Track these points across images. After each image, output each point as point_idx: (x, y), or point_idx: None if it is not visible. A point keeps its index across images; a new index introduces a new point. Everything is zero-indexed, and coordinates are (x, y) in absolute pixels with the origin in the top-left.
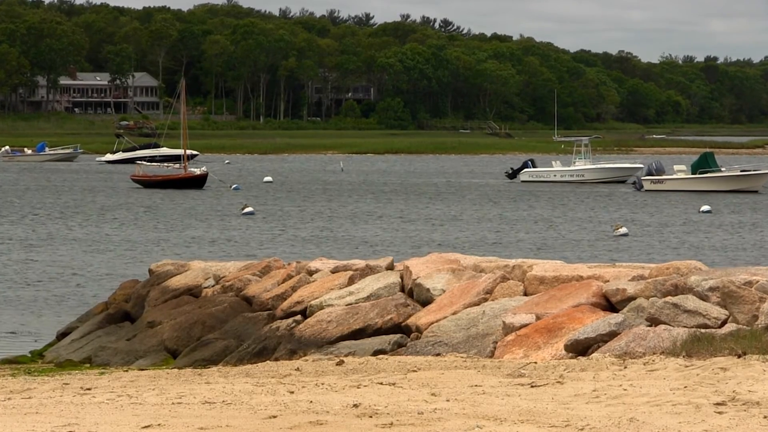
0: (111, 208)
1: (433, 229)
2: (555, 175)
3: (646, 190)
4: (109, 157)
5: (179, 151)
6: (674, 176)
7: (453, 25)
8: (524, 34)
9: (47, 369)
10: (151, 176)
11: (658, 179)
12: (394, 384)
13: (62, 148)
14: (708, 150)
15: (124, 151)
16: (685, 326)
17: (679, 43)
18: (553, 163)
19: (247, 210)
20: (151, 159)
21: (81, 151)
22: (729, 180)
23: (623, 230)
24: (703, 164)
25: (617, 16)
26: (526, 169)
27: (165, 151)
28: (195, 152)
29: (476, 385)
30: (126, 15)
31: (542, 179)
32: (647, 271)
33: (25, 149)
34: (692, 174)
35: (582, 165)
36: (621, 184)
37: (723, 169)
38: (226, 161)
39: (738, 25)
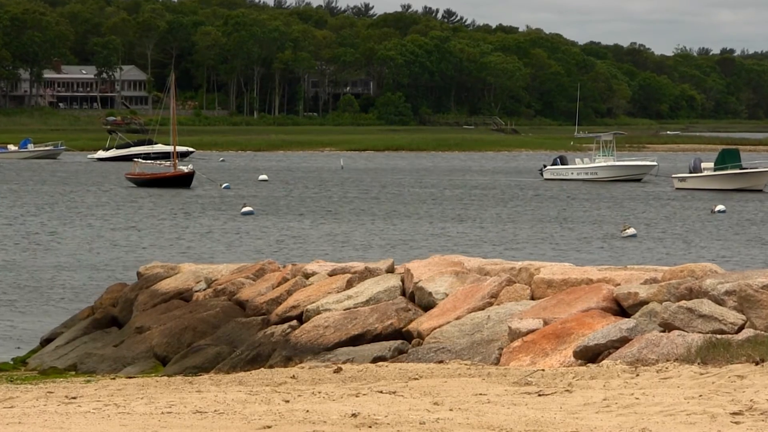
0: (99, 208)
1: (437, 230)
2: (572, 173)
3: (676, 188)
4: (101, 154)
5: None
6: (694, 175)
7: (456, 16)
8: (524, 25)
9: (30, 377)
10: (144, 174)
11: (683, 177)
12: (394, 392)
13: (44, 145)
14: (728, 147)
15: (118, 147)
16: (700, 332)
17: (684, 35)
18: (577, 160)
19: (245, 209)
20: (146, 156)
21: (64, 148)
22: (732, 178)
23: (631, 231)
24: (721, 162)
25: (618, 7)
26: (548, 167)
27: (160, 148)
28: (191, 149)
29: (481, 394)
30: (113, 5)
31: (562, 177)
32: (660, 274)
33: (9, 146)
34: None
35: (601, 162)
36: (636, 182)
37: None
38: (221, 159)
39: (746, 16)
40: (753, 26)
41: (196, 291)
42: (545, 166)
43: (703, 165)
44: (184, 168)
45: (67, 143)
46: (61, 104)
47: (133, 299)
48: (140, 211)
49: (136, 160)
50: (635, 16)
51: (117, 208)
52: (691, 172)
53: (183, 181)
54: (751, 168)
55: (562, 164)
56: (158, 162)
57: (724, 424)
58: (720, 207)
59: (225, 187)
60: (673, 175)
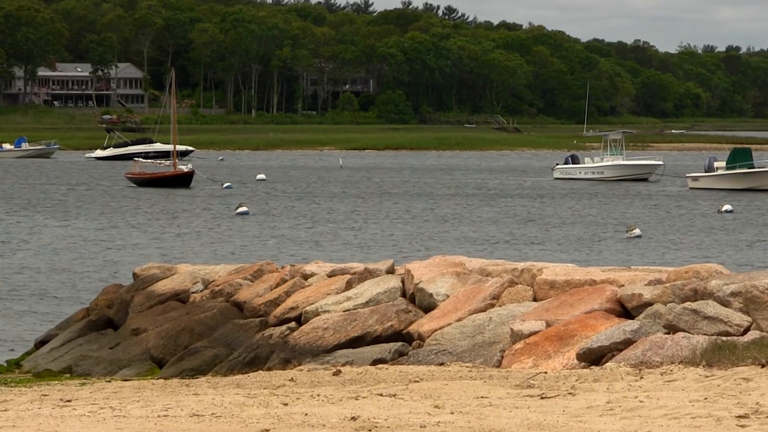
0: (96, 207)
1: (438, 230)
2: (580, 173)
3: (690, 188)
4: (99, 153)
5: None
6: (707, 174)
7: (457, 13)
8: (526, 22)
9: (24, 379)
10: (143, 174)
11: (696, 176)
12: (394, 395)
13: (37, 144)
14: (739, 146)
15: (116, 146)
16: (705, 334)
17: (687, 32)
18: (586, 159)
19: (241, 210)
20: (145, 155)
21: (58, 146)
22: (742, 178)
23: (637, 231)
24: (732, 161)
25: (619, 4)
26: (557, 166)
27: (159, 147)
28: (190, 148)
29: (482, 397)
30: (109, 2)
31: (571, 176)
32: (665, 275)
33: (5, 145)
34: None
35: (608, 162)
36: (643, 182)
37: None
38: (220, 158)
39: (749, 13)
40: (757, 23)
41: (193, 292)
42: (557, 165)
43: (716, 164)
44: (184, 167)
45: (62, 142)
46: (56, 102)
47: (129, 301)
48: (137, 211)
49: (136, 159)
50: (637, 12)
51: (114, 207)
52: (705, 172)
53: (183, 180)
54: (760, 167)
55: (573, 163)
56: (158, 161)
57: (729, 428)
58: (727, 207)
59: (227, 187)
60: (687, 175)
